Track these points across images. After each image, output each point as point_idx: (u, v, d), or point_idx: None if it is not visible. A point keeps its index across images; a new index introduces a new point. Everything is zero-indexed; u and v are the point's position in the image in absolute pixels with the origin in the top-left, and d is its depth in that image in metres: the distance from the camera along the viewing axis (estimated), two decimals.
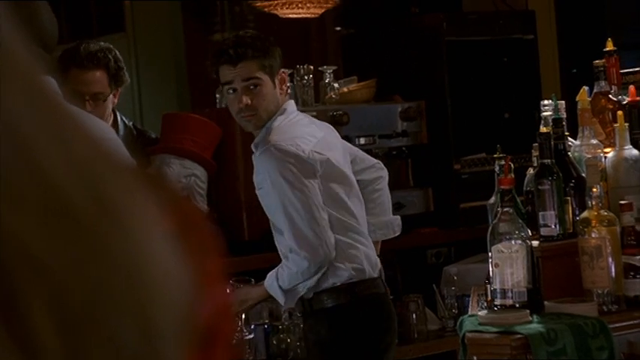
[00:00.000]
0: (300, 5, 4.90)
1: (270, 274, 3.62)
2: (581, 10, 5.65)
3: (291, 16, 5.06)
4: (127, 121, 4.23)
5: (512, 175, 3.40)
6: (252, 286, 3.83)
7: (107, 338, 0.56)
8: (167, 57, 7.27)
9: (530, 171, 3.44)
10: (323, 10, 5.06)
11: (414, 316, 4.57)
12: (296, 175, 3.52)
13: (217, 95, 4.93)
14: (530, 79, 5.45)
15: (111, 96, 3.96)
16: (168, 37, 7.34)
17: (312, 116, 4.94)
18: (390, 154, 5.23)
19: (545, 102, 3.55)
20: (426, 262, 5.13)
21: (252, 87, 3.56)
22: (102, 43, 4.08)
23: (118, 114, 4.15)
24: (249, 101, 3.51)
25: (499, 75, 5.44)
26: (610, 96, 3.62)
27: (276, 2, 4.89)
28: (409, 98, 5.31)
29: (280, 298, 3.64)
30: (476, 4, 5.84)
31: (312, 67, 5.13)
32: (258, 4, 5.02)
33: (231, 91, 3.60)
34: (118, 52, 4.07)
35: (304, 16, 5.08)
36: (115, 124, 4.09)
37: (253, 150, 3.63)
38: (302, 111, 4.89)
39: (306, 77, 5.06)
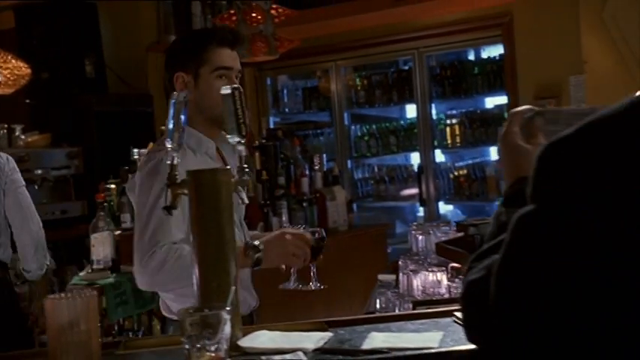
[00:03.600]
0: None
1: None
2: None
3: None
4: None
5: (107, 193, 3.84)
6: None
7: None
8: None
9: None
10: (13, 90, 4.86)
11: None
12: None
13: None
14: (148, 135, 5.20)
15: None
16: None
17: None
18: (58, 180, 5.31)
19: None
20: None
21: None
22: None
23: None
24: None
25: (128, 132, 5.33)
26: None
27: None
28: (72, 145, 5.42)
29: None
30: (116, 88, 5.88)
31: (6, 125, 5.14)
32: None
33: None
34: None
35: (1, 93, 4.82)
36: None
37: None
38: None
39: (1, 131, 5.10)
